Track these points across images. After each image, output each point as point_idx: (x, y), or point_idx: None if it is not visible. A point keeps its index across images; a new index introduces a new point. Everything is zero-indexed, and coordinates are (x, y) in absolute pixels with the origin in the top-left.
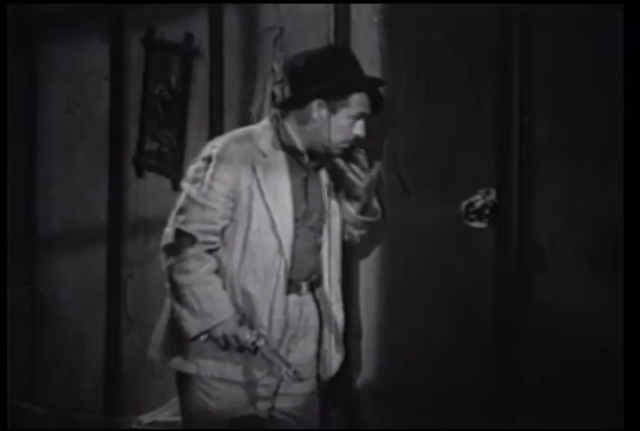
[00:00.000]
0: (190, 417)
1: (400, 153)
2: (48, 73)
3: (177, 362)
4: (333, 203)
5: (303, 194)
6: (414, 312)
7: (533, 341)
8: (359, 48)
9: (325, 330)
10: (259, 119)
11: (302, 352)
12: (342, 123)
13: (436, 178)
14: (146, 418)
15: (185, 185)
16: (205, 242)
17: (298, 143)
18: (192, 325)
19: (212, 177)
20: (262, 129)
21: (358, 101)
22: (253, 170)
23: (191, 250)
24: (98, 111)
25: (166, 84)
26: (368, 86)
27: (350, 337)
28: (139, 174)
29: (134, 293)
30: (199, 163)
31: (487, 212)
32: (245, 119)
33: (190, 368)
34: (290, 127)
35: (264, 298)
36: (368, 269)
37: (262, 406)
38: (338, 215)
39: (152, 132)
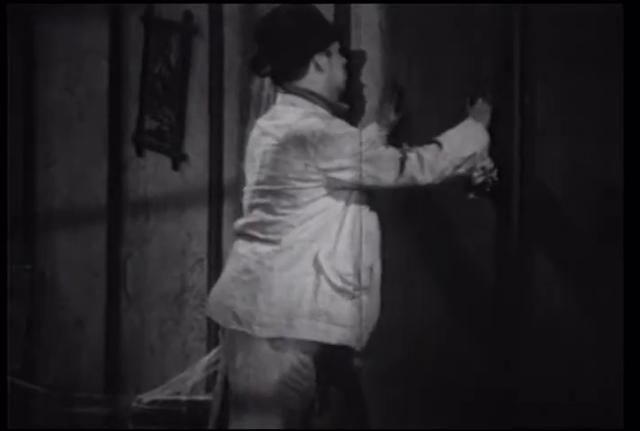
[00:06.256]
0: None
1: (400, 132)
2: (48, 52)
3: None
4: None
5: None
6: (413, 285)
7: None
8: (359, 27)
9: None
10: (259, 97)
11: None
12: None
13: None
14: (146, 397)
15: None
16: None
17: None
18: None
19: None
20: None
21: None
22: None
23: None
24: (97, 90)
25: (166, 63)
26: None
27: None
28: (139, 153)
29: (134, 272)
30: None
31: (487, 189)
32: (246, 97)
33: (318, 336)
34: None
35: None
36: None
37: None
38: None
39: (152, 111)
